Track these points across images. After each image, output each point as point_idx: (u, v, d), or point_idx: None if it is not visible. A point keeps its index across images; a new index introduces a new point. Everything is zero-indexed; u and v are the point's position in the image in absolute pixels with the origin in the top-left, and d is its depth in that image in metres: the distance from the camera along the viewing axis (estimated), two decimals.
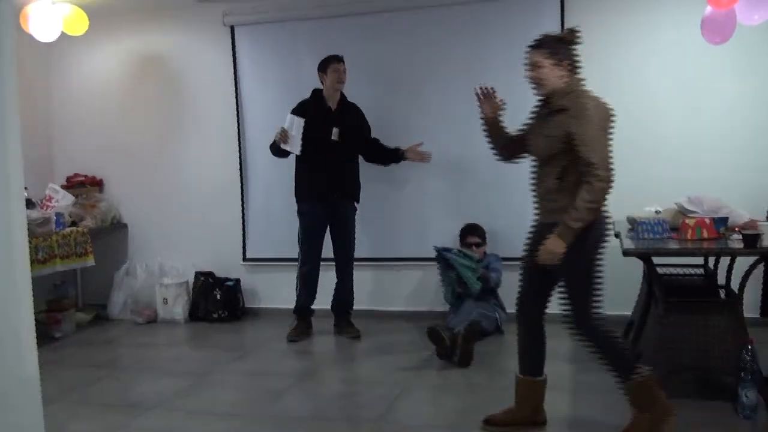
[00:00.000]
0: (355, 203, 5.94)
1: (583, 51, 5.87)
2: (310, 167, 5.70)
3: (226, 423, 4.14)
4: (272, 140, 5.69)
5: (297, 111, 5.68)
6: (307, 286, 5.89)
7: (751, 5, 4.50)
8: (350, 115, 5.80)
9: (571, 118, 3.54)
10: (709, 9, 4.66)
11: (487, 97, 4.02)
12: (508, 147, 4.01)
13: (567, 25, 5.83)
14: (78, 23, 6.11)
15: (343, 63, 5.74)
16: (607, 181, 3.43)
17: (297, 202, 5.87)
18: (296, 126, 5.53)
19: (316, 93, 5.80)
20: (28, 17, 5.86)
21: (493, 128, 3.98)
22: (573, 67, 3.75)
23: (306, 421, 4.17)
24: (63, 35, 6.12)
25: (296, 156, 5.70)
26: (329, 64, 5.70)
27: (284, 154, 5.72)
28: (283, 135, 5.55)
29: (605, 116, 3.64)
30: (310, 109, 5.71)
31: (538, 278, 3.71)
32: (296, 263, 5.99)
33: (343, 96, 5.84)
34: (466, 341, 5.00)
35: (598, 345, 3.63)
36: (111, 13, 6.68)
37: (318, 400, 4.51)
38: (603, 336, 3.64)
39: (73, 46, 6.87)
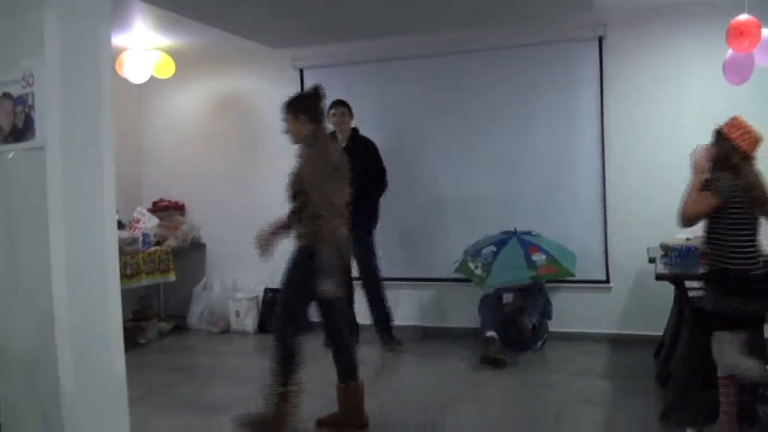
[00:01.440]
0: (371, 231, 5.95)
1: (619, 91, 5.93)
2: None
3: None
4: None
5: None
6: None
7: (766, 50, 4.47)
8: (358, 151, 5.74)
9: (305, 162, 3.93)
10: (729, 52, 4.62)
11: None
12: None
13: (606, 69, 5.87)
14: (166, 68, 6.31)
15: (340, 106, 5.83)
16: (324, 217, 3.80)
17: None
18: None
19: (333, 135, 5.82)
20: (123, 63, 6.08)
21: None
22: (315, 118, 4.08)
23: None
24: (152, 78, 6.33)
25: None
26: (328, 110, 5.64)
27: None
28: None
29: (336, 162, 4.04)
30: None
31: None
32: (355, 281, 6.04)
33: (355, 133, 5.91)
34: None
35: (281, 350, 4.02)
36: (194, 59, 6.88)
37: (372, 409, 4.51)
38: (287, 346, 4.03)
39: (161, 88, 7.06)
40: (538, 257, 5.44)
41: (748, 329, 3.62)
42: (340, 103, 5.85)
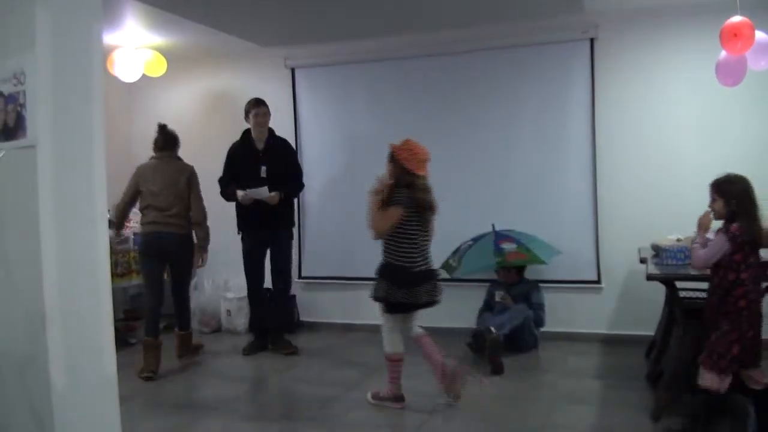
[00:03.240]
0: (292, 232, 6.04)
1: (610, 92, 5.96)
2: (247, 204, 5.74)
3: (279, 426, 4.20)
4: (224, 190, 5.91)
5: (229, 152, 5.92)
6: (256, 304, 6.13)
7: (759, 52, 4.49)
8: (277, 153, 5.81)
9: None
10: (723, 54, 4.64)
11: None
12: None
13: (597, 70, 5.88)
14: (157, 66, 6.30)
15: (264, 106, 5.79)
16: None
17: (239, 232, 5.99)
18: (257, 192, 5.62)
19: (246, 134, 5.86)
20: (114, 61, 6.05)
21: None
22: None
23: (353, 426, 4.18)
24: (144, 77, 6.32)
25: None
26: (250, 109, 5.76)
27: (234, 199, 5.82)
28: (250, 200, 5.68)
29: None
30: (239, 149, 5.85)
31: None
32: (346, 282, 6.06)
33: (271, 133, 5.89)
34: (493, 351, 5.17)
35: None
36: (186, 57, 6.88)
37: (364, 408, 4.52)
38: None
39: (152, 86, 7.05)
40: (508, 246, 5.57)
41: (412, 312, 4.38)
42: (263, 103, 5.83)
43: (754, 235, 3.56)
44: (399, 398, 4.43)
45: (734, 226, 3.60)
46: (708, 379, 3.58)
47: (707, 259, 3.69)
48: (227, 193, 5.85)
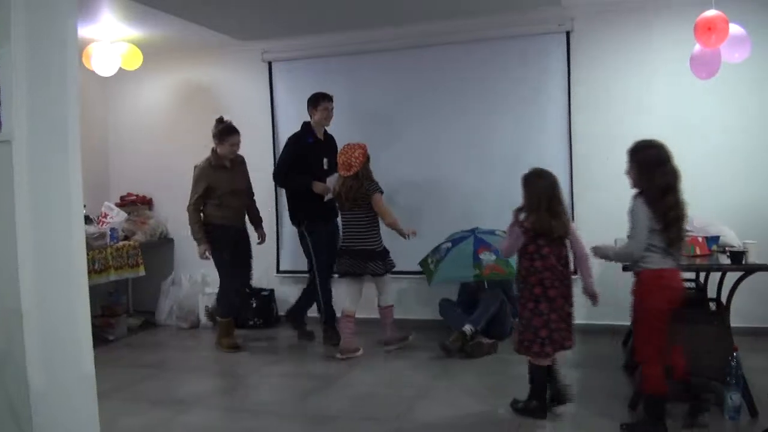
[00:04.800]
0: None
1: (586, 85, 6.00)
2: (313, 193, 5.71)
3: (260, 420, 4.18)
4: (294, 180, 5.83)
5: (296, 143, 5.81)
6: (331, 297, 5.92)
7: (734, 45, 4.54)
8: (331, 147, 5.82)
9: None
10: (697, 47, 4.68)
11: None
12: None
13: (573, 63, 5.91)
14: (133, 60, 6.23)
15: (332, 101, 5.79)
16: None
17: (303, 224, 5.86)
18: (335, 179, 5.59)
19: (307, 126, 5.85)
20: (90, 55, 5.97)
21: None
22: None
23: (334, 419, 4.18)
24: (120, 70, 6.24)
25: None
26: (320, 102, 5.75)
27: (302, 188, 5.78)
28: (328, 190, 5.66)
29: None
30: (305, 141, 5.80)
31: None
32: None
33: (325, 129, 5.92)
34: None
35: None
36: (162, 50, 6.81)
37: (344, 400, 4.53)
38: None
39: (128, 80, 6.98)
40: (487, 257, 5.44)
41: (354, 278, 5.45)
42: (331, 98, 5.83)
43: (544, 228, 3.85)
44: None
45: (524, 219, 3.90)
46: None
47: (509, 249, 4.11)
48: (298, 183, 5.79)
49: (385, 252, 5.52)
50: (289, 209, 5.98)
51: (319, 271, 5.83)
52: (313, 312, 6.07)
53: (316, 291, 5.87)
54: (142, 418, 4.25)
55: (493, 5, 5.78)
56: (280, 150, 6.77)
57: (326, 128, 5.92)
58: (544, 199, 3.91)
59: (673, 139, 5.68)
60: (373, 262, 5.38)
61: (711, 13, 4.50)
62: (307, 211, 5.81)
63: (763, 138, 5.51)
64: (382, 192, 5.38)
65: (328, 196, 5.65)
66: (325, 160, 5.73)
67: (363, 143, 5.36)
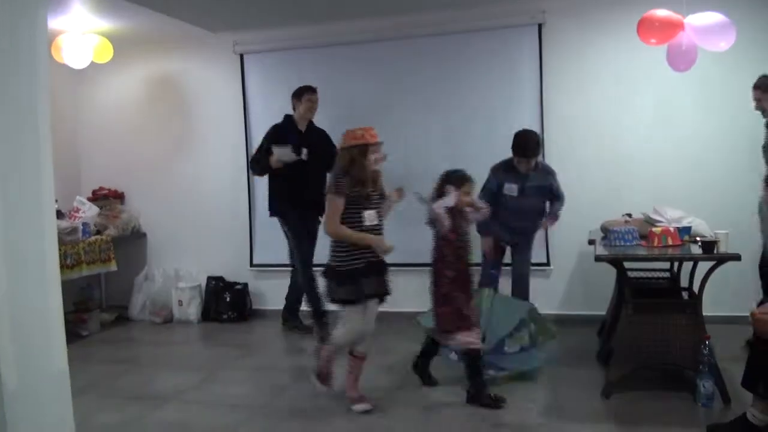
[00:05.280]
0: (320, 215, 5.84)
1: (558, 77, 6.04)
2: (290, 181, 5.71)
3: (235, 414, 4.16)
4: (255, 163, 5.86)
5: (272, 134, 5.79)
6: (315, 289, 5.74)
7: (717, 34, 4.56)
8: (316, 138, 5.82)
9: None
10: (673, 40, 4.69)
11: None
12: None
13: (545, 55, 5.94)
14: (104, 52, 6.13)
15: (317, 94, 5.83)
16: None
17: (278, 213, 5.87)
18: (284, 152, 5.60)
19: (288, 117, 5.87)
20: (60, 47, 5.87)
21: None
22: None
23: (308, 412, 4.17)
24: (90, 63, 6.14)
25: (270, 174, 5.85)
26: (304, 93, 5.78)
27: (267, 172, 5.81)
28: (280, 163, 5.63)
29: None
30: (283, 131, 5.79)
31: None
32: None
33: (310, 121, 5.91)
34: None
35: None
36: (133, 43, 6.72)
37: (318, 394, 4.51)
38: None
39: (98, 73, 6.89)
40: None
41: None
42: (316, 90, 5.87)
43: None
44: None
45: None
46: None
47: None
48: (260, 165, 5.80)
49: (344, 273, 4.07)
50: (268, 199, 5.95)
51: (300, 261, 5.80)
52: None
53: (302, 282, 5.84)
54: (117, 414, 4.21)
55: None
56: (253, 143, 6.75)
57: (312, 121, 5.92)
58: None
59: (644, 129, 5.81)
60: (329, 283, 4.11)
61: (662, 13, 4.57)
62: (281, 197, 5.81)
63: (735, 127, 5.57)
64: (341, 196, 4.00)
65: (277, 164, 5.63)
66: (304, 151, 5.67)
67: (368, 128, 4.14)
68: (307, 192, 5.68)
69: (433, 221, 4.19)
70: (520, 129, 5.11)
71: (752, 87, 4.78)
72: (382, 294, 4.10)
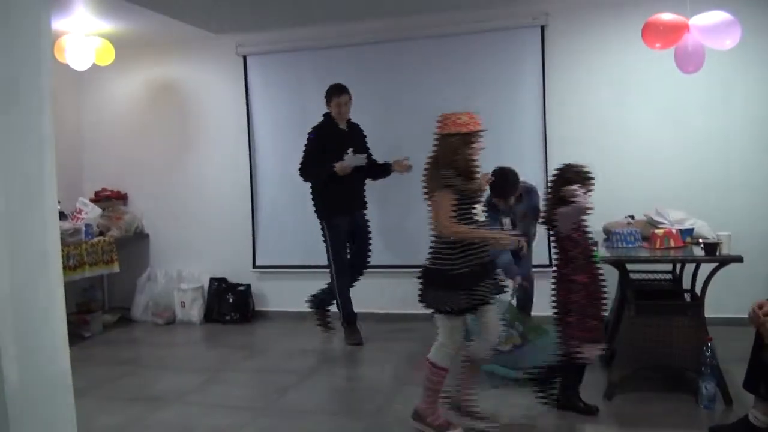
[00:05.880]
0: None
1: (560, 78, 6.03)
2: (342, 185, 5.61)
3: (236, 416, 4.16)
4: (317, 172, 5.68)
5: (317, 134, 5.68)
6: (347, 295, 5.76)
7: (722, 32, 4.54)
8: (357, 136, 5.76)
9: None
10: (680, 41, 4.67)
11: None
12: None
13: (548, 57, 5.94)
14: (106, 54, 6.12)
15: (346, 94, 5.66)
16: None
17: (323, 218, 5.74)
18: (357, 159, 5.54)
19: (328, 116, 5.72)
20: (63, 49, 5.87)
21: None
22: None
23: (309, 414, 4.17)
24: (92, 65, 6.14)
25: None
26: (331, 97, 5.64)
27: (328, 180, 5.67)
28: (348, 169, 5.54)
29: None
30: (327, 132, 5.69)
31: None
32: (300, 270, 6.03)
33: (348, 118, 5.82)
34: None
35: None
36: (135, 45, 6.74)
37: (321, 395, 4.52)
38: None
39: (101, 75, 6.89)
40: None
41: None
42: (345, 90, 5.70)
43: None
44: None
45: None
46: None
47: None
48: (319, 173, 5.64)
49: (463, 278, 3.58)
50: (313, 203, 5.84)
51: (336, 270, 5.73)
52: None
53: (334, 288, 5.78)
54: (119, 415, 4.21)
55: (470, 1, 5.79)
56: (256, 145, 6.76)
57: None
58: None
59: (647, 131, 5.80)
60: (440, 292, 3.58)
61: (666, 16, 4.56)
62: (327, 203, 5.72)
63: (739, 129, 5.57)
64: (451, 190, 3.57)
65: (345, 171, 5.52)
66: (350, 150, 5.56)
67: (470, 113, 3.83)
68: (353, 195, 5.68)
69: (551, 221, 3.88)
70: (496, 167, 4.75)
71: None
72: (498, 294, 3.72)
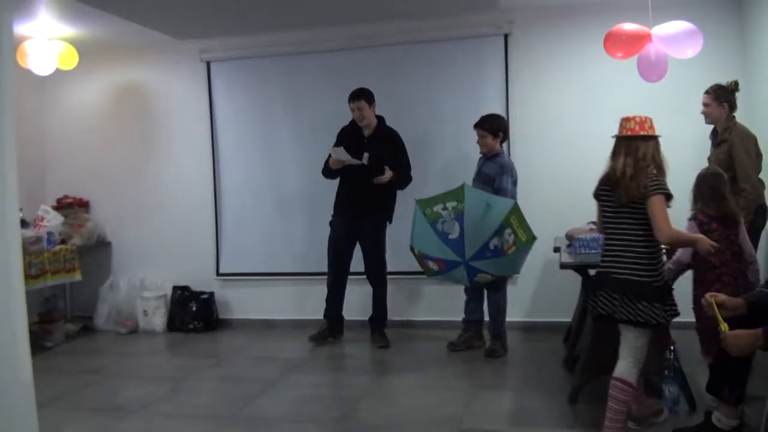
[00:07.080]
0: (386, 222, 5.76)
1: (524, 86, 6.08)
2: (344, 186, 5.70)
3: (202, 425, 4.10)
4: (323, 166, 5.72)
5: (338, 134, 5.76)
6: (332, 294, 5.79)
7: (683, 41, 4.63)
8: (380, 143, 5.65)
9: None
10: (642, 51, 4.74)
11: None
12: None
13: (511, 66, 5.99)
14: (69, 59, 6.04)
15: (355, 101, 5.61)
16: None
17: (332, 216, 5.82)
18: (341, 153, 5.50)
19: (352, 120, 5.73)
20: (26, 54, 5.77)
21: None
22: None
23: (275, 422, 4.14)
24: (55, 69, 6.06)
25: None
26: (349, 102, 5.65)
27: (335, 175, 5.70)
28: (339, 163, 5.54)
29: None
30: (347, 134, 5.72)
31: None
32: (264, 278, 6.00)
33: (381, 123, 5.74)
34: None
35: None
36: (99, 50, 6.64)
37: (286, 403, 4.49)
38: None
39: (63, 80, 6.77)
40: (482, 278, 4.99)
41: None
42: (357, 97, 5.65)
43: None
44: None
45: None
46: None
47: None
48: (326, 168, 5.71)
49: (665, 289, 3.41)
50: None
51: (330, 271, 5.80)
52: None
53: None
54: (83, 426, 4.14)
55: (431, 7, 5.82)
56: (220, 151, 6.71)
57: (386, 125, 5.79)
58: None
59: (609, 139, 5.81)
60: (646, 304, 3.30)
61: (628, 26, 4.63)
62: (334, 203, 5.77)
63: (703, 135, 5.65)
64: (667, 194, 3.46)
65: (336, 165, 5.54)
66: (365, 155, 5.52)
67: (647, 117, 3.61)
68: (355, 199, 5.63)
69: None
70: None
71: (704, 92, 4.87)
72: None
